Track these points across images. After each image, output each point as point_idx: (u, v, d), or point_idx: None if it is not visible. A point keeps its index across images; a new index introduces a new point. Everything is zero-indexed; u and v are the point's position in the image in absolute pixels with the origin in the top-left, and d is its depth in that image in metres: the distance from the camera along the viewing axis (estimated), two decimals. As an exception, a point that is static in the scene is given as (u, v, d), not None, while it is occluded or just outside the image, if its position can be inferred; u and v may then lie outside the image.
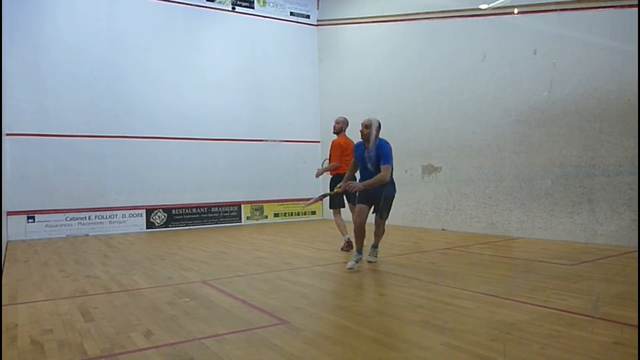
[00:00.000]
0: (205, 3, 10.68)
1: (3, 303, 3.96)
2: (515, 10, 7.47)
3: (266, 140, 11.34)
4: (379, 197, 5.06)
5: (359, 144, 5.18)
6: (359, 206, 5.12)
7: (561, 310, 3.36)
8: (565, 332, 2.90)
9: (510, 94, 7.52)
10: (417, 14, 9.25)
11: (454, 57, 8.54)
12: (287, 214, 11.55)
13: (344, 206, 6.60)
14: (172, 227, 10.13)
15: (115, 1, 9.82)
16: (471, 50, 8.18)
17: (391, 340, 2.87)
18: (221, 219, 10.73)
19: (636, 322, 3.02)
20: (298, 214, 11.70)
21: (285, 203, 11.51)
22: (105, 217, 9.48)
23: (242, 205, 11.02)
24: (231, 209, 10.87)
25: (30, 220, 8.84)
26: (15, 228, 8.62)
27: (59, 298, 4.18)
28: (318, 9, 12.08)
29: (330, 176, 6.65)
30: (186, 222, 10.32)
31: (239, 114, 10.97)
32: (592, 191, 6.45)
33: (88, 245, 7.92)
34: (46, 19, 9.14)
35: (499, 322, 3.15)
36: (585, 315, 3.25)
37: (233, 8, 10.00)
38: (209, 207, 10.60)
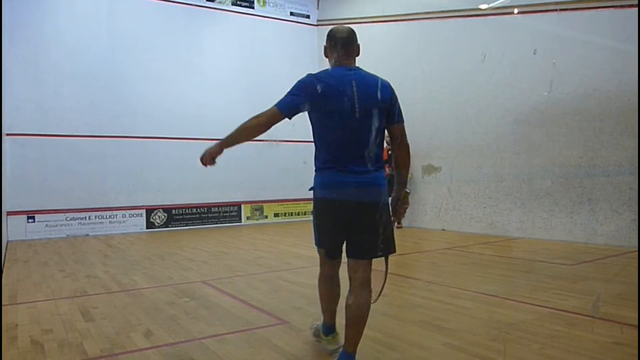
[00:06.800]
0: (205, 3, 10.67)
1: (3, 303, 3.96)
2: (515, 10, 7.46)
3: (266, 140, 11.33)
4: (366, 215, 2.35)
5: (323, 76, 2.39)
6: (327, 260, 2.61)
7: (561, 310, 3.36)
8: (565, 332, 2.90)
9: (510, 94, 7.52)
10: (417, 14, 9.24)
11: (454, 57, 8.53)
12: (287, 214, 11.55)
13: None
14: (172, 227, 10.13)
15: (115, 1, 9.81)
16: (471, 50, 8.18)
17: (391, 340, 2.87)
18: (221, 219, 10.73)
19: (636, 322, 3.02)
20: (298, 214, 11.70)
21: (285, 203, 11.50)
22: (105, 217, 9.48)
23: (242, 205, 11.01)
24: (231, 209, 10.87)
25: (30, 220, 8.84)
26: (15, 228, 8.61)
27: (59, 298, 4.18)
28: (318, 9, 12.08)
29: None
30: (186, 222, 10.32)
31: (239, 114, 10.72)
32: (592, 191, 6.45)
33: (88, 245, 7.92)
34: (46, 19, 9.13)
35: (499, 322, 3.15)
36: (585, 315, 3.25)
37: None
38: (209, 207, 10.59)
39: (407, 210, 2.55)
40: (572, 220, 6.66)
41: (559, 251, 5.99)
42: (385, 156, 7.99)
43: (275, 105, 2.34)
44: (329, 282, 2.62)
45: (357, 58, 2.49)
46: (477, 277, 4.69)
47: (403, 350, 2.70)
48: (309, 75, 2.36)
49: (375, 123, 2.34)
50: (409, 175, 2.60)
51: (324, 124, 2.36)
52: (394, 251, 2.46)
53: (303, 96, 2.32)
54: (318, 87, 2.28)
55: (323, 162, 2.39)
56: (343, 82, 2.30)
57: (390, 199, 2.47)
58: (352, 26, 2.56)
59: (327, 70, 2.42)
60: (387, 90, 2.39)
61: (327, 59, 2.50)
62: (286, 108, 2.32)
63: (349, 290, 2.37)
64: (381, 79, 2.40)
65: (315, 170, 2.45)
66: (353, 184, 2.31)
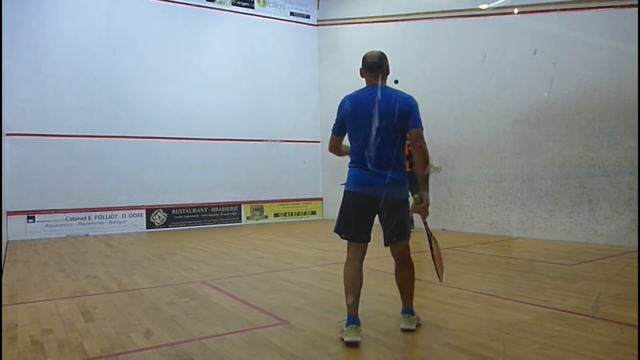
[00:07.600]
0: (205, 3, 10.67)
1: (3, 303, 3.96)
2: (515, 10, 7.46)
3: (266, 140, 11.33)
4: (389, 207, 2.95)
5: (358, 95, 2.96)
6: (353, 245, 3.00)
7: (561, 310, 3.36)
8: (565, 332, 2.90)
9: (510, 94, 7.51)
10: (417, 14, 9.24)
11: (454, 57, 8.53)
12: (287, 214, 11.55)
13: None
14: (172, 227, 10.13)
15: (115, 1, 9.81)
16: (471, 50, 8.18)
17: (391, 340, 2.87)
18: (221, 219, 10.73)
19: (636, 322, 3.02)
20: (298, 214, 11.70)
21: (285, 203, 11.51)
22: (105, 217, 9.48)
23: (242, 205, 11.01)
24: (231, 209, 10.87)
25: (30, 220, 8.84)
26: (15, 228, 8.62)
27: (59, 298, 4.18)
28: (318, 9, 12.07)
29: None
30: (186, 222, 10.32)
31: (239, 114, 10.96)
32: (592, 191, 6.45)
33: (88, 245, 7.92)
34: (46, 19, 9.13)
35: (499, 322, 3.15)
36: (585, 315, 3.25)
37: None
38: (209, 207, 10.59)
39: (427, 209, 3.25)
40: (572, 220, 6.66)
41: (559, 251, 5.98)
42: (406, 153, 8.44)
43: (331, 131, 3.09)
44: (349, 265, 2.96)
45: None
46: (477, 277, 4.69)
47: (403, 350, 2.70)
48: (343, 98, 3.00)
49: (393, 131, 2.86)
50: (431, 167, 3.21)
51: (352, 132, 2.94)
52: (406, 238, 3.04)
53: (341, 116, 2.99)
54: (347, 106, 2.94)
55: (352, 162, 2.98)
56: (367, 98, 2.88)
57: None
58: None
59: (358, 89, 2.99)
60: (404, 103, 2.87)
61: (363, 78, 3.04)
62: (337, 131, 3.05)
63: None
64: (401, 93, 2.91)
65: (348, 168, 3.04)
66: (371, 181, 2.88)
